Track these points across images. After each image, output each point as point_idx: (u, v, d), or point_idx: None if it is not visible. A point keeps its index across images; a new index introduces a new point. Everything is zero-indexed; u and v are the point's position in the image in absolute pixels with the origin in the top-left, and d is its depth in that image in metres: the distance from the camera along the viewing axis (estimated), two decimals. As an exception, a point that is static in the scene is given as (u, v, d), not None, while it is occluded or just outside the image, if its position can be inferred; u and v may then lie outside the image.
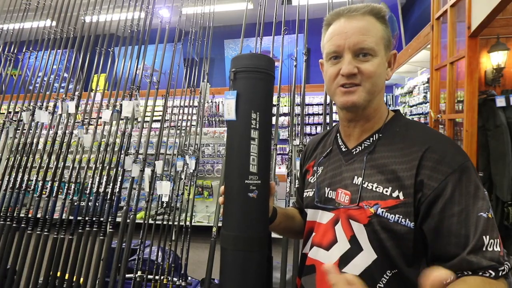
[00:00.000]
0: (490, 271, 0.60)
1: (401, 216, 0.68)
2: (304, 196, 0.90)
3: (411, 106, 5.78)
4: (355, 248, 0.72)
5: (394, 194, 0.69)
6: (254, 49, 2.23)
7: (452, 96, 2.89)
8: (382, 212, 0.69)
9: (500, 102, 2.78)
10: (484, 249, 0.61)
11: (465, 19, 2.47)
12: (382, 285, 0.69)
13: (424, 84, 5.09)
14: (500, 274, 0.60)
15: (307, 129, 7.68)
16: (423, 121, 5.30)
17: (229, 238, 0.73)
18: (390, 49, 0.76)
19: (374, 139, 0.77)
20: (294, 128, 2.23)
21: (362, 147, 0.78)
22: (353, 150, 0.80)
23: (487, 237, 0.61)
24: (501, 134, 2.76)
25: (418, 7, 6.15)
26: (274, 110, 2.09)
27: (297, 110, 2.42)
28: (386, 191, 0.70)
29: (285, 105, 7.62)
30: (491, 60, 2.95)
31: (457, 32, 2.84)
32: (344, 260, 0.73)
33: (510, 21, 2.94)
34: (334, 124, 1.14)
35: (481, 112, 2.81)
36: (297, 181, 1.03)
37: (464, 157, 0.67)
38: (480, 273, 0.61)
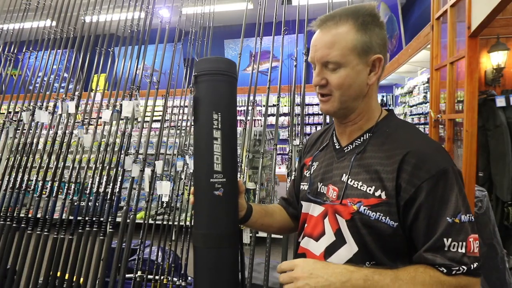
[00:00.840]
0: (443, 268, 0.65)
1: (381, 214, 0.71)
2: (301, 189, 0.95)
3: (411, 106, 5.78)
4: (339, 240, 0.77)
5: (377, 193, 0.72)
6: (254, 49, 2.24)
7: (452, 96, 2.89)
8: (364, 209, 0.73)
9: (500, 102, 2.79)
10: (445, 249, 0.66)
11: (465, 19, 2.47)
12: None
13: (424, 84, 5.10)
14: (453, 272, 0.65)
15: (307, 129, 7.69)
16: (423, 121, 5.30)
17: (198, 236, 0.76)
18: (369, 54, 0.75)
19: (365, 138, 0.80)
20: (294, 128, 2.23)
21: (353, 146, 0.82)
22: (345, 148, 0.84)
23: (449, 239, 0.66)
24: (501, 134, 2.77)
25: (418, 7, 6.15)
26: (274, 110, 2.09)
27: (297, 110, 2.42)
28: (370, 190, 0.73)
29: (285, 105, 7.62)
30: (491, 60, 2.95)
31: (457, 32, 2.84)
32: (329, 251, 0.78)
33: (510, 21, 2.94)
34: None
35: (481, 112, 2.81)
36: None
37: (445, 162, 0.70)
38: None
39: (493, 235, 2.46)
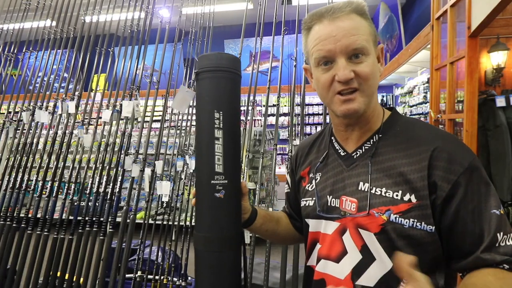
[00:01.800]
0: (504, 265, 0.61)
1: (415, 220, 0.65)
2: (303, 205, 0.84)
3: (411, 106, 5.78)
4: (367, 258, 0.68)
5: (406, 198, 0.66)
6: (254, 49, 2.24)
7: (452, 96, 2.89)
8: (396, 218, 0.66)
9: (500, 102, 2.78)
10: (497, 245, 0.61)
11: (465, 19, 2.47)
12: None
13: (424, 84, 5.10)
14: None
15: (307, 129, 7.69)
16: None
17: (200, 239, 0.73)
18: (376, 44, 0.72)
19: (375, 140, 0.73)
20: (294, 128, 2.23)
21: (363, 150, 0.74)
22: (353, 154, 0.76)
23: (501, 233, 0.62)
24: (501, 134, 2.76)
25: (418, 7, 6.15)
26: (274, 110, 2.08)
27: (297, 110, 2.42)
28: (397, 195, 0.66)
29: (285, 105, 7.62)
30: (491, 60, 2.95)
31: (457, 32, 2.84)
32: (357, 272, 0.69)
33: (510, 21, 2.94)
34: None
35: (481, 112, 2.81)
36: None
37: (472, 155, 0.66)
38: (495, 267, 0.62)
39: (493, 235, 2.46)
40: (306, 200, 0.83)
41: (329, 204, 0.76)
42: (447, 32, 2.88)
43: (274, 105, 2.16)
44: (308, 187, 0.83)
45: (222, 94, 0.74)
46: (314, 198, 0.80)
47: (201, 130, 0.73)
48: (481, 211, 0.63)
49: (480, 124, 2.75)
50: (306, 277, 0.82)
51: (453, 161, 0.64)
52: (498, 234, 0.62)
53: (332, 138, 0.82)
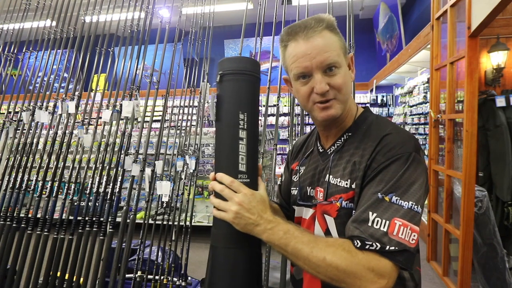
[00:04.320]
0: (357, 241, 0.65)
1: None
2: (291, 193, 0.97)
3: (411, 106, 5.78)
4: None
5: (353, 185, 0.75)
6: (254, 49, 2.24)
7: (452, 96, 2.89)
8: (346, 204, 0.76)
9: (500, 102, 2.79)
10: (369, 224, 0.66)
11: (465, 19, 2.47)
12: None
13: (424, 84, 5.09)
14: (366, 247, 0.64)
15: (307, 129, 7.66)
16: (423, 121, 5.30)
17: (220, 236, 0.74)
18: (346, 53, 0.80)
19: (345, 138, 0.83)
20: (294, 128, 2.23)
21: (335, 147, 0.84)
22: (328, 150, 0.87)
23: (373, 214, 0.66)
24: (501, 134, 2.77)
25: (418, 7, 6.15)
26: (274, 110, 2.09)
27: (297, 110, 2.42)
28: (347, 184, 0.76)
29: (285, 105, 7.62)
30: (491, 60, 2.95)
31: (457, 32, 2.84)
32: None
33: (510, 21, 2.94)
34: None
35: (481, 112, 2.81)
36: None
37: (409, 148, 0.71)
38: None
39: (493, 235, 2.46)
40: (293, 190, 0.96)
41: (308, 194, 0.89)
42: (447, 32, 2.88)
43: (274, 105, 2.16)
44: (295, 178, 0.95)
45: (246, 96, 0.76)
46: (297, 188, 0.92)
47: (225, 130, 0.76)
48: (372, 191, 0.69)
49: (480, 124, 2.75)
50: None
51: (391, 149, 0.71)
52: (369, 213, 0.66)
53: (317, 137, 0.93)
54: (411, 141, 0.73)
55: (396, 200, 0.67)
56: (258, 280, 0.76)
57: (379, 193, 0.68)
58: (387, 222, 0.65)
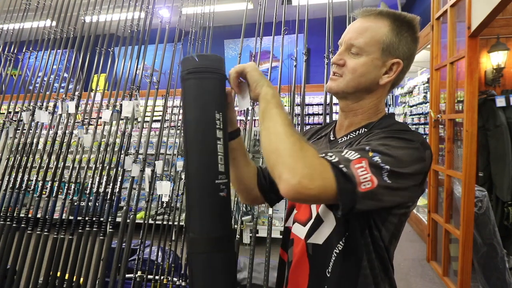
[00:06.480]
0: (323, 153, 0.65)
1: None
2: None
3: (411, 106, 5.77)
4: (320, 219, 0.79)
5: None
6: (254, 49, 2.23)
7: (452, 96, 2.89)
8: None
9: (500, 102, 2.79)
10: (342, 153, 0.65)
11: (465, 19, 2.47)
12: (338, 251, 0.75)
13: (424, 84, 5.09)
14: (324, 155, 0.64)
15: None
16: (423, 121, 5.30)
17: (202, 241, 0.71)
18: (391, 56, 0.77)
19: (360, 132, 0.82)
20: (294, 128, 2.22)
21: (347, 138, 0.83)
22: (339, 139, 0.86)
23: (350, 151, 0.65)
24: (501, 134, 2.77)
25: (418, 7, 6.15)
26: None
27: (297, 110, 2.42)
28: None
29: (285, 105, 7.60)
30: (491, 60, 2.95)
31: (457, 32, 2.84)
32: (310, 232, 0.80)
33: (510, 21, 2.95)
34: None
35: (481, 112, 2.81)
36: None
37: (421, 144, 0.70)
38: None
39: (493, 235, 2.46)
40: None
41: None
42: (447, 32, 2.88)
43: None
44: None
45: (221, 95, 0.76)
46: None
47: (202, 130, 0.74)
48: (363, 142, 0.70)
49: (480, 124, 2.75)
50: (284, 234, 0.94)
51: (386, 128, 0.75)
52: (347, 150, 0.65)
53: (334, 127, 0.92)
54: (423, 142, 0.70)
55: (377, 160, 0.63)
56: (234, 282, 0.76)
57: (367, 146, 0.65)
58: (357, 156, 0.63)
